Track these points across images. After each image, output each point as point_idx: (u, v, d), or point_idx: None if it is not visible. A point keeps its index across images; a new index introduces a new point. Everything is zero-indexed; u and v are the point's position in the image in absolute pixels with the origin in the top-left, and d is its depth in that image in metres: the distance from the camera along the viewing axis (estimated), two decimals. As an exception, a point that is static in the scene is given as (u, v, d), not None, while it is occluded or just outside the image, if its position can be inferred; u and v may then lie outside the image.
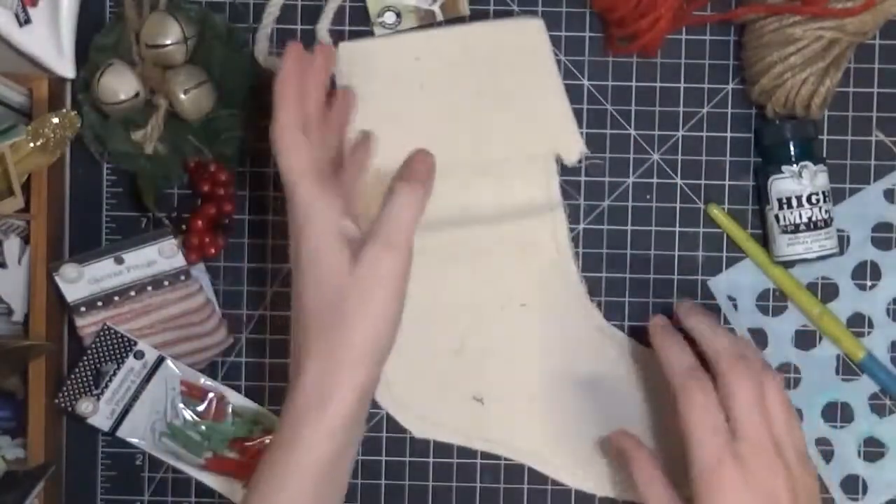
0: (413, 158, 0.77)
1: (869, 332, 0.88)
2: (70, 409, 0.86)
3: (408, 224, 0.75)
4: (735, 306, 0.88)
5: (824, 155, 0.86)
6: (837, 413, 0.88)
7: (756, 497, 0.75)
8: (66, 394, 0.86)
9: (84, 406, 0.86)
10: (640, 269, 0.88)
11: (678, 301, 0.86)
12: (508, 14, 0.87)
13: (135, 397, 0.87)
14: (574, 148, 0.87)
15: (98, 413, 0.86)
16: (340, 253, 0.74)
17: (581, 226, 0.88)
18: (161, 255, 0.86)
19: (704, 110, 0.88)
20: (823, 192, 0.85)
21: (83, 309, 0.85)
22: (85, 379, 0.86)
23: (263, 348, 0.89)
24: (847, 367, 0.88)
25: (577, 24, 0.88)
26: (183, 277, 0.86)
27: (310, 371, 0.74)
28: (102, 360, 0.86)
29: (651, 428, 0.88)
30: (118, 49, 0.86)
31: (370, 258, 0.74)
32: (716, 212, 0.87)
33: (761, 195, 0.86)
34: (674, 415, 0.79)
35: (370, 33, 0.88)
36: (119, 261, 0.86)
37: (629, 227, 0.88)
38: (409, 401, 0.89)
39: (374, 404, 0.88)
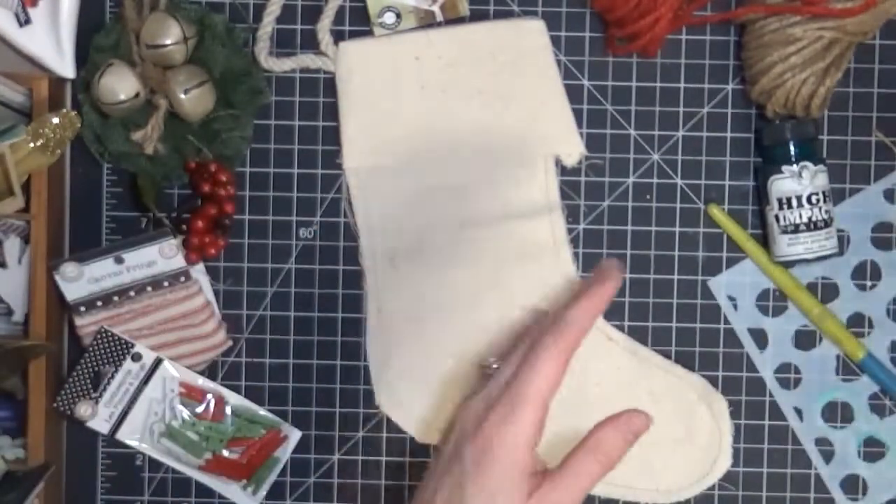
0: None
1: (869, 332, 0.88)
2: (69, 412, 0.86)
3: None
4: (735, 306, 0.88)
5: (824, 155, 0.86)
6: (837, 413, 0.88)
7: None
8: (64, 397, 0.86)
9: (83, 409, 0.85)
10: (640, 269, 0.88)
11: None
12: (508, 14, 0.88)
13: (133, 399, 0.87)
14: (573, 150, 0.87)
15: (97, 416, 0.86)
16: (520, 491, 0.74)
17: (581, 226, 0.88)
18: (161, 255, 0.86)
19: (704, 110, 0.88)
20: (823, 192, 0.85)
21: (83, 309, 0.85)
22: (83, 382, 0.86)
23: (263, 348, 0.89)
24: (847, 367, 0.88)
25: (577, 24, 0.88)
26: (183, 279, 0.86)
27: None
28: (100, 362, 0.86)
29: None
30: (118, 49, 0.86)
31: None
32: (716, 212, 0.87)
33: (761, 195, 0.86)
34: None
35: (370, 33, 0.88)
36: (119, 260, 0.85)
37: (629, 227, 0.88)
38: (410, 405, 0.88)
39: (375, 406, 0.89)
